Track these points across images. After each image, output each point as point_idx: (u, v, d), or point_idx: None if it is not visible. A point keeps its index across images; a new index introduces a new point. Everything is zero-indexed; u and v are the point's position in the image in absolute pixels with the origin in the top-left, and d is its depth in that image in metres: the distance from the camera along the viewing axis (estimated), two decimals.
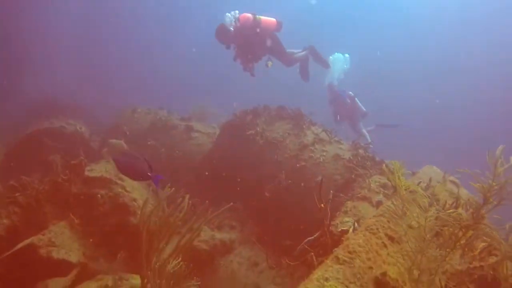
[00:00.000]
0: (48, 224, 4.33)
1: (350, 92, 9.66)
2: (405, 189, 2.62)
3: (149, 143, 6.88)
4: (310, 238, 3.71)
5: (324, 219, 3.53)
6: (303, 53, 8.50)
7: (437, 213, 2.56)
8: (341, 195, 4.91)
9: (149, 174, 3.40)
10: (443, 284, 2.44)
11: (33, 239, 3.94)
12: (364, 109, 9.67)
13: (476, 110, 26.63)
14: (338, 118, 9.51)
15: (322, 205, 3.51)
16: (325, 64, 9.02)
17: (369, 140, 8.83)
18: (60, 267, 4.05)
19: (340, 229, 3.65)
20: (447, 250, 2.43)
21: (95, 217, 4.50)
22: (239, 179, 6.06)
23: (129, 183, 4.77)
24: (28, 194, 4.93)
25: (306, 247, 3.61)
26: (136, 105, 9.30)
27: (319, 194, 3.53)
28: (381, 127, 10.24)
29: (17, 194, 5.07)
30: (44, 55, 22.16)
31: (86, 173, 4.68)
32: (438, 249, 2.43)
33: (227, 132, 6.89)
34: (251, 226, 5.88)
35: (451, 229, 2.46)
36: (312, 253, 3.37)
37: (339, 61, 9.54)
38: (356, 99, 9.61)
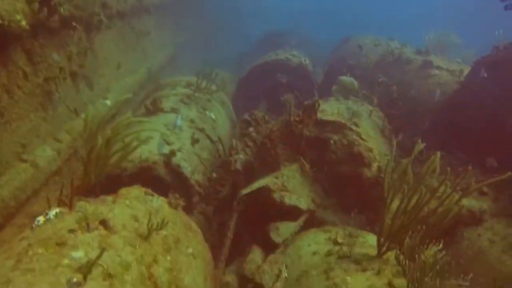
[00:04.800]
0: (280, 166, 4.17)
1: None
2: None
3: (380, 80, 5.97)
4: None
5: None
6: None
7: None
8: None
9: None
10: None
11: (268, 182, 3.83)
12: None
13: None
14: None
15: None
16: None
17: None
18: (290, 212, 3.88)
19: None
20: None
21: (326, 163, 4.10)
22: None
23: (365, 129, 4.12)
24: (260, 131, 4.93)
25: None
26: (358, 36, 8.38)
27: None
28: None
29: (250, 129, 5.16)
30: None
31: (319, 114, 4.24)
32: None
33: (482, 70, 5.28)
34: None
35: None
36: None
37: None
38: None
